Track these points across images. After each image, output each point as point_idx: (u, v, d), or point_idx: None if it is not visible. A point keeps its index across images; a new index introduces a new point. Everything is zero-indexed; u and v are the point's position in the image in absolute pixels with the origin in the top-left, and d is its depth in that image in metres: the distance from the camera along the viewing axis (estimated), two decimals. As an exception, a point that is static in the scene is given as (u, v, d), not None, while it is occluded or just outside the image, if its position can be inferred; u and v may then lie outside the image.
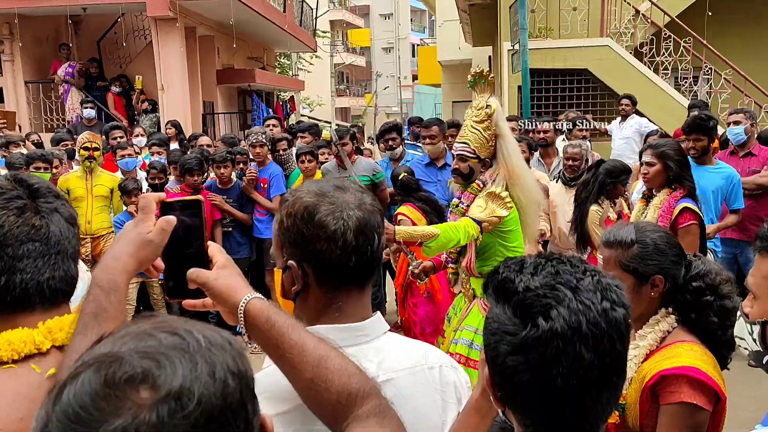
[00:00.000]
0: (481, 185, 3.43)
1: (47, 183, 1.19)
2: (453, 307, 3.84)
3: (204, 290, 1.11)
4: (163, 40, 10.65)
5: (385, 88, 40.70)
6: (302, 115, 28.32)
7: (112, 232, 5.89)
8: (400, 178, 5.07)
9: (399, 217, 4.91)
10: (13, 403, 1.02)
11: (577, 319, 0.92)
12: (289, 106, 15.99)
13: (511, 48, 9.99)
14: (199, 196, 1.19)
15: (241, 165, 6.30)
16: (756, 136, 6.00)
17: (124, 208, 5.94)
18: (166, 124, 9.15)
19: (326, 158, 6.53)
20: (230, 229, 6.10)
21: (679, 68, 10.37)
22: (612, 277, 0.99)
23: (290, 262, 1.23)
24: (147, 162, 7.31)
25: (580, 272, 0.98)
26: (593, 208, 4.64)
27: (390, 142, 6.38)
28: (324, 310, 1.25)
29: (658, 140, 4.09)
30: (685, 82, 10.44)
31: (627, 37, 10.62)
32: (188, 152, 7.24)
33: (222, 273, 1.12)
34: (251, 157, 6.45)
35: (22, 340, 1.07)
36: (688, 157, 4.92)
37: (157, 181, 6.11)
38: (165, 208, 1.14)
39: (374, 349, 1.25)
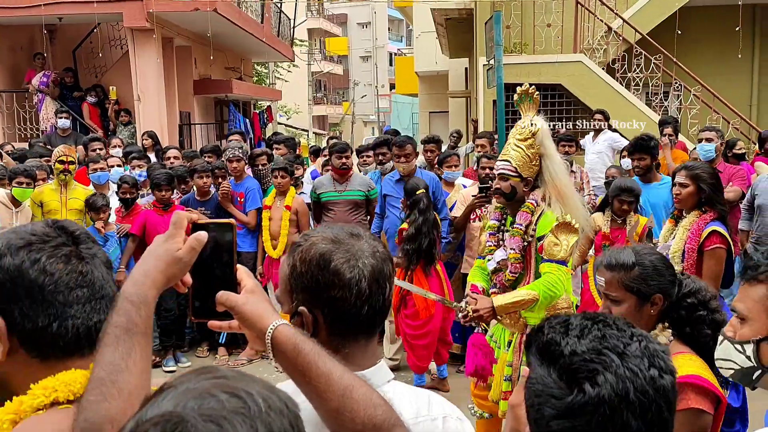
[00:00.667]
0: (535, 204, 3.32)
1: (85, 229, 1.23)
2: (493, 339, 3.63)
3: (233, 314, 1.12)
4: (140, 51, 10.63)
5: (362, 97, 40.83)
6: (279, 123, 28.30)
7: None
8: (418, 192, 5.10)
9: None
10: None
11: (625, 386, 0.91)
12: (266, 115, 15.99)
13: (486, 63, 10.13)
14: (231, 220, 1.20)
15: (219, 179, 6.37)
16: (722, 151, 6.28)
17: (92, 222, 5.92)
18: (143, 135, 9.13)
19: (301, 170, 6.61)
20: None
21: (650, 84, 10.60)
22: (658, 343, 0.99)
23: (301, 308, 1.23)
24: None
25: (627, 337, 0.97)
26: (595, 215, 4.87)
27: (380, 157, 6.47)
28: None
29: (692, 162, 4.19)
30: (656, 98, 10.67)
31: (600, 53, 10.83)
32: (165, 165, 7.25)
33: (251, 298, 1.13)
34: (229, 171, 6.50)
35: (78, 381, 1.09)
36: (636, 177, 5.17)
37: (128, 196, 6.11)
38: (195, 228, 1.14)
39: None
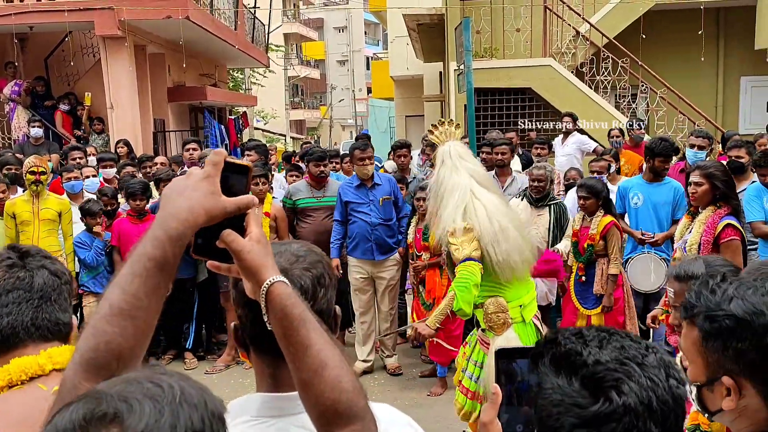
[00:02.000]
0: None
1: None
2: (471, 335, 3.94)
3: (234, 257, 1.10)
4: (112, 59, 10.61)
5: (340, 101, 40.86)
6: (256, 128, 28.24)
7: (61, 254, 5.92)
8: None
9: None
10: (26, 416, 1.23)
11: (648, 395, 0.94)
12: (241, 121, 16.00)
13: (457, 68, 10.27)
14: (249, 163, 1.16)
15: None
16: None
17: (82, 227, 6.04)
18: (118, 143, 9.14)
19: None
20: None
21: (618, 87, 10.82)
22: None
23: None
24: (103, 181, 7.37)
25: (643, 348, 1.00)
26: (576, 215, 5.15)
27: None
28: (259, 378, 1.26)
29: (705, 162, 4.33)
30: (624, 101, 10.90)
31: (568, 57, 11.04)
32: (139, 173, 7.30)
33: (256, 247, 1.10)
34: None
35: (29, 364, 1.34)
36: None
37: (108, 208, 6.23)
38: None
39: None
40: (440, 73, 16.85)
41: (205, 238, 1.10)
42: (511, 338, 3.54)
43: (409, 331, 3.42)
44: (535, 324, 3.66)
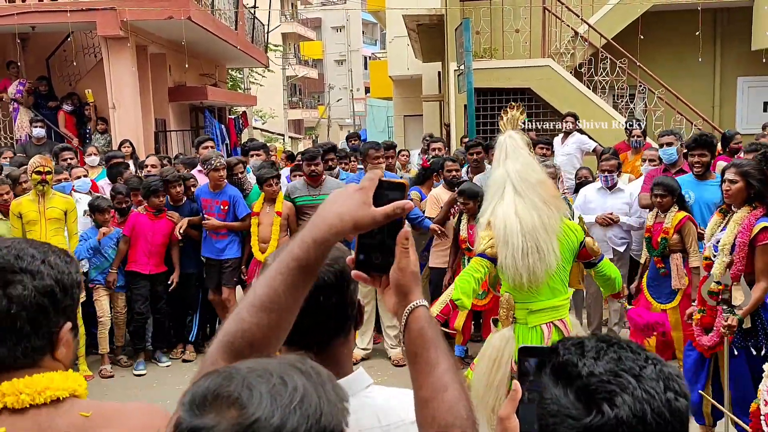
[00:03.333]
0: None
1: (37, 250, 1.30)
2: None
3: (398, 271, 1.15)
4: (114, 59, 10.67)
5: (338, 100, 40.92)
6: (255, 128, 28.30)
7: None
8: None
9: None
10: None
11: (642, 407, 0.92)
12: (241, 121, 16.06)
13: (457, 69, 10.36)
14: (405, 180, 1.21)
15: (191, 188, 6.61)
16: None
17: (91, 225, 6.19)
18: (123, 143, 9.19)
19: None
20: (181, 244, 6.37)
21: (616, 87, 10.91)
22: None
23: None
24: (97, 182, 7.42)
25: (642, 360, 0.98)
26: (649, 213, 5.25)
27: (329, 162, 6.82)
28: None
29: (741, 159, 4.23)
30: (622, 101, 10.98)
31: (567, 57, 11.12)
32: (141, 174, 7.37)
33: (416, 268, 1.17)
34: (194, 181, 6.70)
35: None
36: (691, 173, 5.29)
37: (123, 205, 6.39)
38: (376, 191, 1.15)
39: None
40: (439, 73, 16.93)
41: (367, 254, 1.17)
42: (507, 336, 3.64)
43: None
44: (543, 330, 3.68)
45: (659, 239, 5.08)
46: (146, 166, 7.63)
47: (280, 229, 6.14)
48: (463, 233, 5.77)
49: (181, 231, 6.21)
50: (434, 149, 7.77)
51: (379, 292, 1.23)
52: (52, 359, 1.28)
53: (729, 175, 3.95)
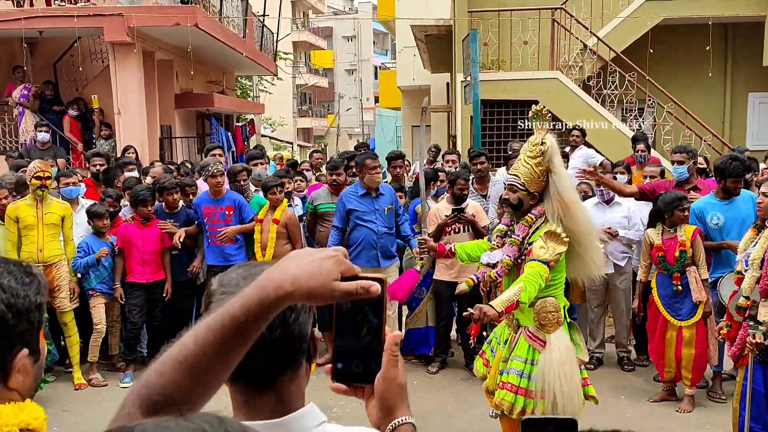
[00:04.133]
0: (534, 219, 3.67)
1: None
2: (495, 335, 4.03)
3: (383, 382, 1.05)
4: (121, 65, 10.66)
5: (347, 110, 40.97)
6: (263, 136, 28.32)
7: (63, 259, 5.95)
8: None
9: None
10: None
11: None
12: (248, 129, 16.03)
13: (464, 80, 10.29)
14: (383, 276, 1.06)
15: (190, 195, 6.55)
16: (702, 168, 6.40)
17: (89, 230, 6.15)
18: (127, 149, 9.16)
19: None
20: (176, 252, 6.32)
21: (625, 101, 10.80)
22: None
23: None
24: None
25: None
26: (648, 231, 5.30)
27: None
28: (234, 405, 1.23)
29: None
30: (631, 115, 10.87)
31: (576, 70, 11.03)
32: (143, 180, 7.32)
33: (405, 378, 1.07)
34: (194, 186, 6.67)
35: None
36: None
37: (111, 209, 6.33)
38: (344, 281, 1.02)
39: None
40: (447, 83, 16.87)
41: (345, 362, 1.05)
42: (561, 336, 3.70)
43: (475, 312, 3.36)
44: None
45: (677, 254, 5.05)
46: (149, 173, 7.59)
47: (278, 237, 6.13)
48: None
49: (181, 240, 6.16)
50: (448, 161, 7.71)
51: (360, 399, 1.12)
52: (4, 389, 1.18)
53: (764, 188, 3.98)
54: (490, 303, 3.42)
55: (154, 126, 11.48)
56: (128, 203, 6.40)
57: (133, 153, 9.07)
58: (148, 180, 7.20)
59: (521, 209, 3.68)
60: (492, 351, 3.96)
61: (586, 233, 3.65)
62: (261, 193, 6.97)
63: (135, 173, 7.46)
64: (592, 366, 6.01)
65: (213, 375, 0.97)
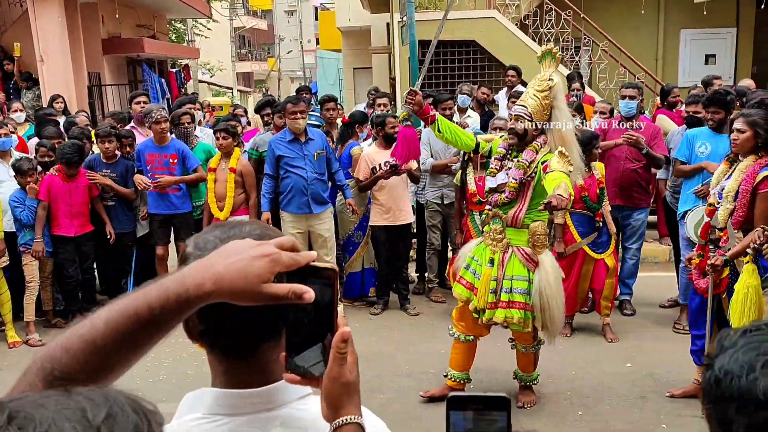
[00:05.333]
0: (540, 146, 3.95)
1: None
2: (474, 258, 4.21)
3: (327, 379, 1.01)
4: (40, 9, 10.10)
5: (288, 53, 40.00)
6: (201, 81, 27.52)
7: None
8: None
9: None
10: None
11: None
12: (183, 74, 15.55)
13: (401, 20, 10.11)
14: (335, 267, 1.02)
15: (128, 148, 6.35)
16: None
17: (11, 186, 5.92)
18: (55, 98, 8.75)
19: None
20: (112, 203, 6.14)
21: (561, 39, 10.83)
22: None
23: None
24: (26, 140, 7.09)
25: None
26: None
27: (265, 118, 6.78)
28: (214, 373, 1.16)
29: (749, 110, 4.30)
30: (567, 53, 10.93)
31: (512, 8, 10.97)
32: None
33: (352, 378, 1.02)
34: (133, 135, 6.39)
35: None
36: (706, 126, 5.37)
37: (46, 159, 6.15)
38: (290, 275, 0.96)
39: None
40: (387, 25, 16.58)
41: (298, 353, 1.01)
42: (550, 256, 4.10)
43: (553, 200, 3.50)
44: None
45: (597, 191, 5.29)
46: (76, 123, 7.29)
47: (236, 186, 6.04)
48: (471, 186, 5.69)
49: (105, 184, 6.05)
50: (380, 105, 7.58)
51: (317, 387, 1.07)
52: None
53: (737, 125, 4.03)
54: (557, 193, 3.55)
55: (81, 73, 11.00)
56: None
57: (61, 102, 8.70)
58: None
59: (525, 139, 3.96)
60: (474, 273, 4.15)
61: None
62: (206, 140, 6.83)
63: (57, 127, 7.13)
64: None
65: (120, 360, 0.91)
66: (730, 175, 4.05)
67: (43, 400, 0.65)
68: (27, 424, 0.62)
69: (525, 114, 3.92)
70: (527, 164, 3.94)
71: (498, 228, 4.08)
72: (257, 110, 6.82)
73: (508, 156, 4.06)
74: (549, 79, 3.88)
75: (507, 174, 4.00)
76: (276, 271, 0.92)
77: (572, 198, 3.77)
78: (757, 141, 3.95)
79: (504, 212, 4.04)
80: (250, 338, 1.10)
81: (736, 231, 3.93)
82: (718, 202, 4.05)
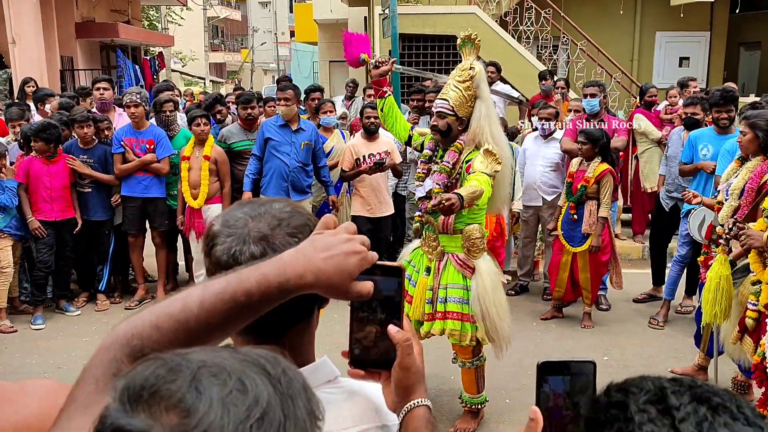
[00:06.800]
0: (463, 144, 3.61)
1: None
2: (411, 264, 3.91)
3: (400, 370, 1.06)
4: (13, -11, 9.86)
5: (262, 44, 39.70)
6: (174, 71, 27.14)
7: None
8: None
9: None
10: None
11: None
12: (157, 62, 15.31)
13: (382, 12, 10.10)
14: (401, 265, 1.07)
15: (105, 131, 6.24)
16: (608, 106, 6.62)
17: None
18: (27, 81, 8.54)
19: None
20: (89, 189, 6.02)
21: (540, 38, 10.93)
22: None
23: None
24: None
25: None
26: (573, 159, 5.57)
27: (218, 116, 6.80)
28: None
29: (751, 111, 4.34)
30: (546, 51, 11.03)
31: (493, 5, 11.03)
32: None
33: (419, 365, 1.09)
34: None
35: None
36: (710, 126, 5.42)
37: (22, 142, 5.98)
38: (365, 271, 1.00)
39: None
40: (365, 18, 16.54)
41: (363, 348, 1.07)
42: (488, 261, 3.76)
43: (436, 200, 3.28)
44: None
45: (579, 186, 5.39)
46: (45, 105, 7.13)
47: (210, 174, 5.98)
48: None
49: (82, 171, 5.89)
50: (369, 95, 7.61)
51: (377, 381, 1.12)
52: None
53: (740, 127, 4.12)
54: (456, 191, 3.30)
55: (54, 57, 10.76)
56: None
57: (32, 86, 8.49)
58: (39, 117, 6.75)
59: (450, 135, 3.64)
60: (410, 280, 3.89)
61: (507, 164, 3.67)
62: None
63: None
64: (513, 293, 6.33)
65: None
66: (738, 173, 4.13)
67: (218, 354, 0.69)
68: (220, 372, 0.66)
69: (446, 108, 3.58)
70: (450, 166, 3.65)
71: (432, 235, 3.81)
72: (206, 109, 6.73)
73: (434, 157, 3.79)
74: (470, 68, 3.54)
75: (432, 179, 3.74)
76: (363, 269, 0.97)
77: (481, 198, 3.38)
78: (758, 142, 4.02)
79: (435, 218, 3.73)
80: (283, 319, 1.09)
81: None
82: (726, 199, 4.12)
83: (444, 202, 3.16)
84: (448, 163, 3.64)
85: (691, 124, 5.97)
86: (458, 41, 3.71)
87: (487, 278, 3.70)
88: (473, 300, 3.68)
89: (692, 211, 5.42)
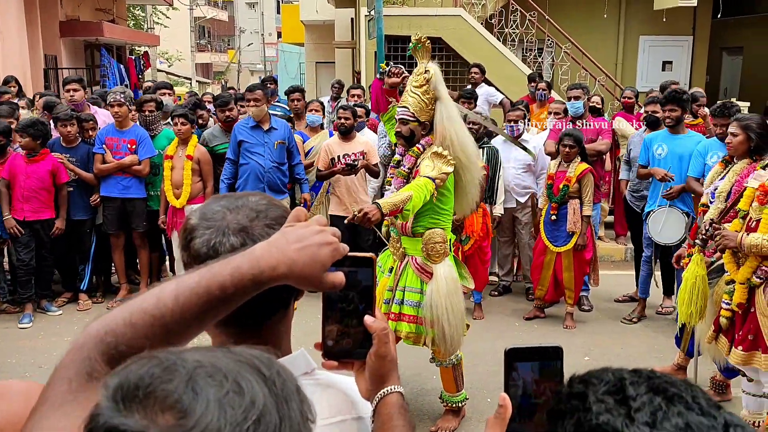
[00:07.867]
0: (421, 149, 3.63)
1: None
2: (379, 265, 3.92)
3: (375, 359, 1.08)
4: (-4, -14, 9.78)
5: (248, 45, 39.58)
6: (160, 71, 26.99)
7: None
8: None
9: None
10: None
11: None
12: (142, 62, 15.24)
13: (368, 14, 10.13)
14: (372, 255, 1.07)
15: (90, 132, 6.21)
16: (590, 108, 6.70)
17: None
18: (8, 80, 8.46)
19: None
20: (71, 188, 5.99)
21: (525, 40, 10.99)
22: None
23: None
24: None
25: (720, 427, 0.65)
26: (551, 162, 5.70)
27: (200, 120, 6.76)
28: None
29: (744, 114, 4.35)
30: (530, 54, 11.09)
31: (478, 8, 11.07)
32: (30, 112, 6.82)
33: (393, 354, 1.10)
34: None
35: None
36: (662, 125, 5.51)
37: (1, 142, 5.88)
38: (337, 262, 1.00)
39: None
40: (352, 20, 16.55)
41: (335, 340, 1.08)
42: (448, 267, 3.75)
43: (358, 214, 3.21)
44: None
45: (561, 186, 5.47)
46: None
47: (193, 174, 5.97)
48: None
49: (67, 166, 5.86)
50: (353, 95, 7.64)
51: (350, 371, 1.14)
52: None
53: (731, 129, 4.11)
54: (376, 201, 3.34)
55: (37, 55, 10.68)
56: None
57: (14, 86, 8.41)
58: (25, 115, 6.68)
59: (414, 140, 3.67)
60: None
61: (469, 165, 3.68)
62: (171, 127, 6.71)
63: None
64: (496, 293, 6.41)
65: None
66: (724, 176, 4.15)
67: (213, 354, 0.69)
68: (216, 372, 0.66)
69: (407, 115, 3.60)
70: (407, 171, 3.70)
71: (395, 237, 3.86)
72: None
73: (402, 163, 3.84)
74: (425, 72, 3.57)
75: (394, 185, 3.78)
76: (336, 259, 0.97)
77: (411, 202, 3.34)
78: (749, 144, 4.04)
79: (397, 221, 3.76)
80: (261, 309, 1.09)
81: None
82: (711, 202, 4.15)
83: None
84: (405, 167, 3.71)
85: (651, 122, 6.06)
86: (410, 45, 3.74)
87: (443, 284, 3.70)
88: (426, 305, 3.70)
89: (651, 212, 5.51)
